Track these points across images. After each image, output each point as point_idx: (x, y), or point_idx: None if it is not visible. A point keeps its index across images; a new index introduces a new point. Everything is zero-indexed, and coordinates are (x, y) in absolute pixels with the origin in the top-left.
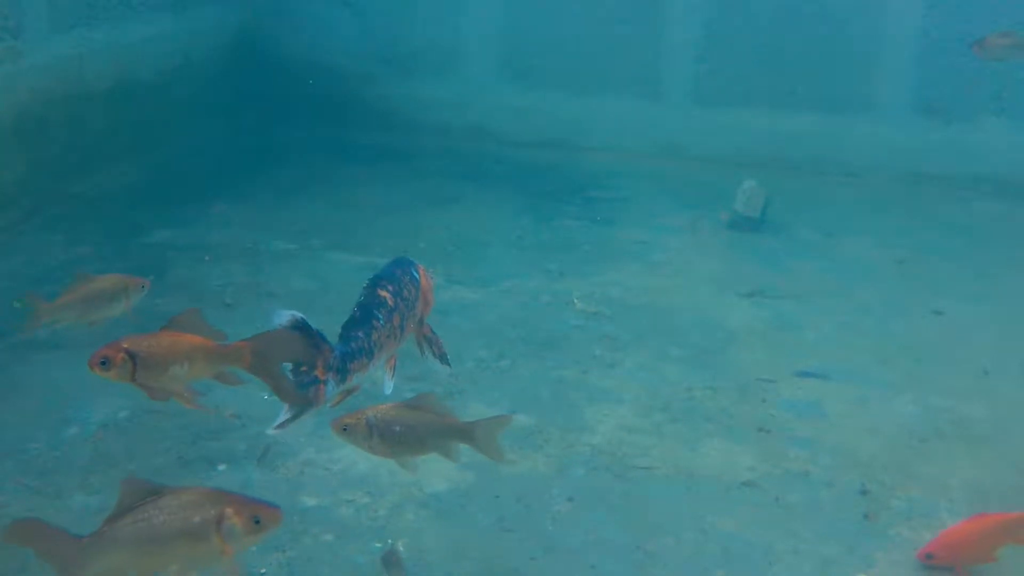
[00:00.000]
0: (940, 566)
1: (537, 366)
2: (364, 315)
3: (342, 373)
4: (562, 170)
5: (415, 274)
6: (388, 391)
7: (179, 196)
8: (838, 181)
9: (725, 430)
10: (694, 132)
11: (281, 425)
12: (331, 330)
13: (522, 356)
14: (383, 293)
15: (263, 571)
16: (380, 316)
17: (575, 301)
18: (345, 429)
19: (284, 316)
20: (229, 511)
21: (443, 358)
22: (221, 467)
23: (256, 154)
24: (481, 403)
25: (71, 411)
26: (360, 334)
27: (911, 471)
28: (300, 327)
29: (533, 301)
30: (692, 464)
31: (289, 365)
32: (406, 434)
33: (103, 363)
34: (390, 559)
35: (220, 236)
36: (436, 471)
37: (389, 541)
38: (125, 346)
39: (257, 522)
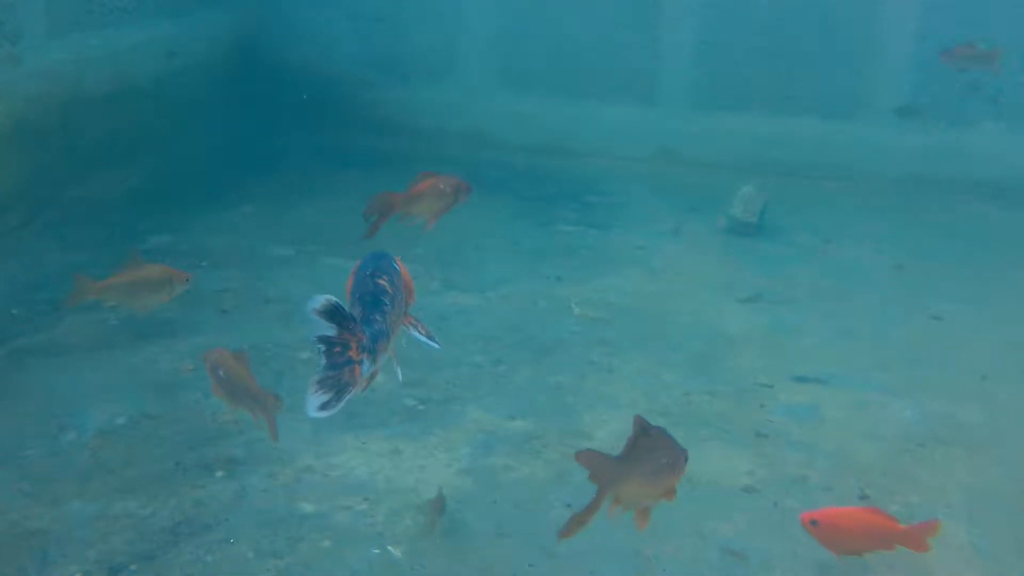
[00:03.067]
0: (816, 537)
1: (535, 371)
2: (374, 301)
3: (372, 354)
4: (559, 175)
5: (395, 265)
6: (400, 378)
7: (176, 201)
8: (836, 185)
9: (723, 435)
10: (691, 137)
11: (324, 407)
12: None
13: (520, 361)
14: (380, 282)
15: None
16: (386, 302)
17: (573, 307)
18: (205, 357)
19: (318, 300)
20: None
21: (430, 337)
22: (219, 473)
23: (254, 159)
24: (478, 408)
25: (68, 417)
26: (378, 317)
27: (909, 476)
28: (333, 310)
29: (531, 306)
30: (690, 469)
31: (323, 347)
32: (224, 381)
33: None
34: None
35: (217, 241)
36: (434, 477)
37: (388, 547)
38: None
39: None
